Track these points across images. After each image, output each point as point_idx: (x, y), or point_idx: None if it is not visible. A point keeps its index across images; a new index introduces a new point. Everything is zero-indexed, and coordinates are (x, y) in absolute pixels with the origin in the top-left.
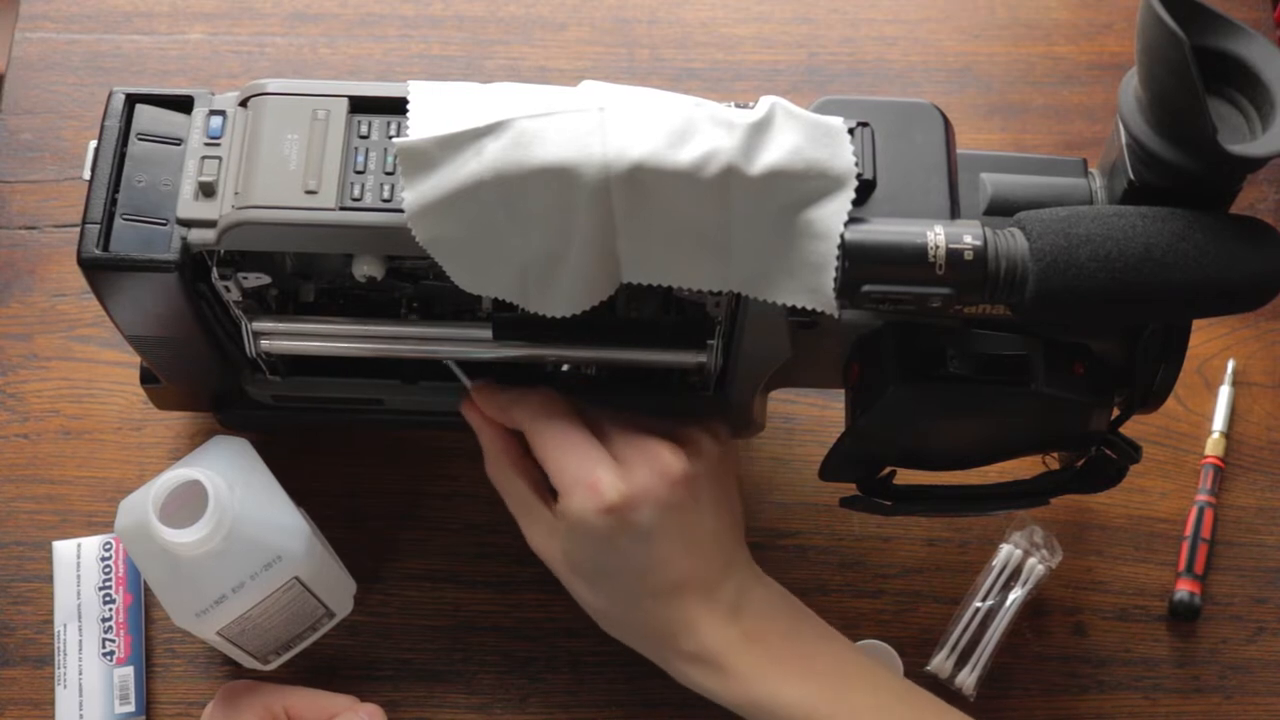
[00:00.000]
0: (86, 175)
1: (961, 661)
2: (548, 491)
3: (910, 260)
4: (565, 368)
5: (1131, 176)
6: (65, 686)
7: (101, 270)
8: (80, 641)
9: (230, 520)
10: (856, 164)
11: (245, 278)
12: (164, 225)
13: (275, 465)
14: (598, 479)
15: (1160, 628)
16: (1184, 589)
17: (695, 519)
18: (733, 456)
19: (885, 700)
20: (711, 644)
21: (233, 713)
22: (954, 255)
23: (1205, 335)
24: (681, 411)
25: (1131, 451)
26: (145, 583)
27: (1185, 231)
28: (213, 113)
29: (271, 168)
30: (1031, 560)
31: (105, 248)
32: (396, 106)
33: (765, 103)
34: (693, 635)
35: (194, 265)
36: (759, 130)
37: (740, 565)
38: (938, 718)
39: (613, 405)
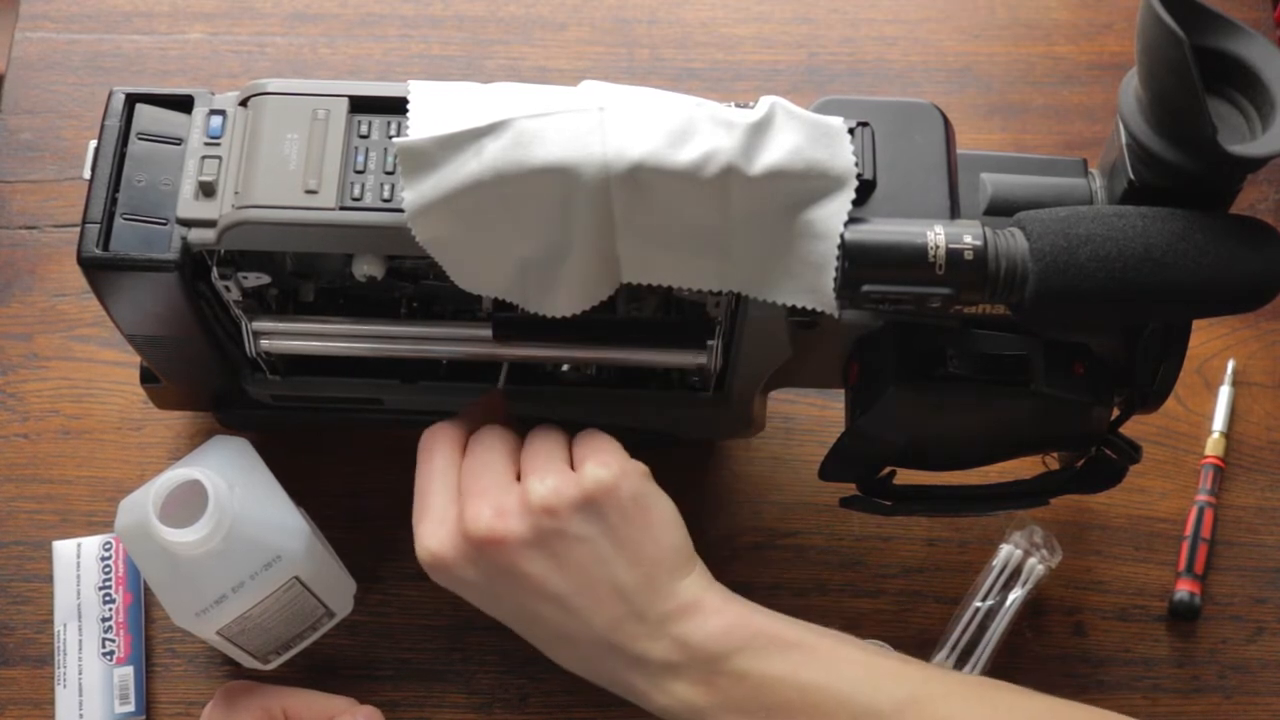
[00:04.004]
0: (86, 175)
1: (961, 661)
2: None
3: (910, 260)
4: (565, 368)
5: (1131, 176)
6: (65, 686)
7: (101, 270)
8: (80, 641)
9: (230, 520)
10: (856, 164)
11: (245, 277)
12: (164, 225)
13: (275, 465)
14: (418, 533)
15: (1160, 628)
16: (1184, 589)
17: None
18: (616, 494)
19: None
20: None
21: (230, 714)
22: (954, 255)
23: (1205, 335)
24: (683, 411)
25: (1131, 451)
26: (145, 582)
27: (1185, 231)
28: (213, 112)
29: (271, 167)
30: (1031, 560)
31: (105, 247)
32: (396, 106)
33: (765, 103)
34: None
35: (194, 265)
36: (759, 130)
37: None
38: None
39: (613, 404)
